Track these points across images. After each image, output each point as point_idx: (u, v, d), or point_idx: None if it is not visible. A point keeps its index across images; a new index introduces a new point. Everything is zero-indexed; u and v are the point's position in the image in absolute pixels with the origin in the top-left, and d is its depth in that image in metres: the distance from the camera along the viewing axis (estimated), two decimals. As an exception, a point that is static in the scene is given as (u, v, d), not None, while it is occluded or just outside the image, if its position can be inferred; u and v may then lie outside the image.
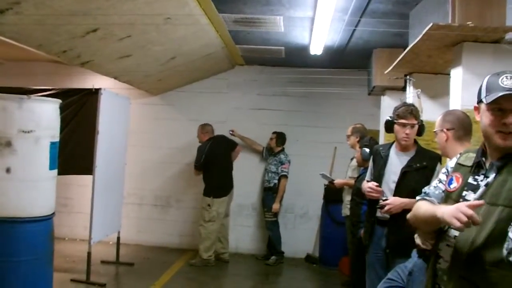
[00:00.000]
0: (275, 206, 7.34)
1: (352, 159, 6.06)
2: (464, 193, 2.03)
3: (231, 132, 7.74)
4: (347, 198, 5.84)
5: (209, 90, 8.11)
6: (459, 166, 2.15)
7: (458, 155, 2.22)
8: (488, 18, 3.39)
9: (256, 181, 7.91)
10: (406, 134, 3.81)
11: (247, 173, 7.78)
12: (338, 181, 6.06)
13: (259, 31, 5.84)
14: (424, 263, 3.08)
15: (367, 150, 5.06)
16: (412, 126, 3.80)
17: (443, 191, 2.18)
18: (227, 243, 7.41)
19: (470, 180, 2.04)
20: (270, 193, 7.44)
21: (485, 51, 3.51)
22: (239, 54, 7.26)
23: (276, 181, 7.39)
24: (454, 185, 2.10)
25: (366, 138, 5.54)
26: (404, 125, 3.81)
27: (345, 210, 5.90)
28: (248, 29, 5.80)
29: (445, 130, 3.17)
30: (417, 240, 3.12)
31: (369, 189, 3.88)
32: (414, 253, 3.24)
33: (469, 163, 2.10)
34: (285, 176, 7.39)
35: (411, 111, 3.82)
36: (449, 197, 2.11)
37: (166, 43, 5.64)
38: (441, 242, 2.10)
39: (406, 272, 3.29)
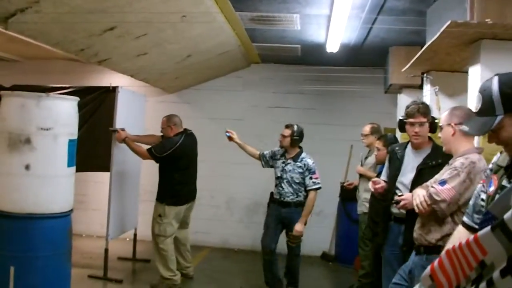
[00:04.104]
0: (299, 227, 5.57)
1: (366, 157, 6.02)
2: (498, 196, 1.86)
3: (228, 134, 6.05)
4: (363, 195, 5.82)
5: (225, 88, 8.14)
6: (497, 167, 2.01)
7: (499, 154, 2.08)
8: (507, 15, 3.36)
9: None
10: (415, 132, 3.81)
11: (265, 170, 7.62)
12: (359, 167, 6.06)
13: (275, 29, 5.84)
14: (421, 260, 3.16)
15: None
16: (421, 124, 3.78)
17: (482, 199, 2.07)
18: (189, 255, 6.30)
19: (504, 182, 1.90)
20: (300, 209, 5.64)
21: (504, 48, 3.49)
22: (255, 52, 7.26)
23: (305, 194, 5.66)
24: (492, 188, 1.96)
25: (390, 135, 5.51)
26: (412, 123, 3.81)
27: (362, 208, 5.88)
28: (265, 27, 5.80)
29: (452, 124, 3.12)
30: (414, 233, 3.21)
31: (372, 186, 4.13)
32: (413, 253, 3.30)
33: (504, 163, 1.96)
34: (317, 189, 5.67)
35: (418, 109, 3.80)
36: (488, 201, 1.97)
37: (182, 41, 5.67)
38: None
39: (407, 272, 3.32)
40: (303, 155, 5.70)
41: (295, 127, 5.66)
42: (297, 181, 5.61)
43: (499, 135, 1.85)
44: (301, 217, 5.56)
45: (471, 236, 1.27)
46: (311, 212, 5.67)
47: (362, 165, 6.11)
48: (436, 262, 1.39)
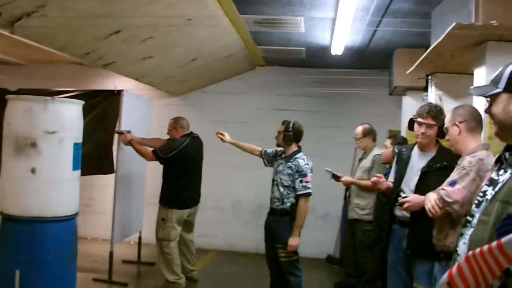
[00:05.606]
0: (293, 241, 4.81)
1: (360, 160, 5.97)
2: (485, 188, 1.98)
3: (220, 137, 5.71)
4: (354, 200, 5.77)
5: (229, 91, 8.15)
6: (494, 163, 2.08)
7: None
8: (512, 17, 3.35)
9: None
10: (422, 132, 3.74)
11: (269, 171, 7.48)
12: (346, 178, 5.70)
13: (280, 32, 5.84)
14: (442, 266, 3.09)
15: None
16: (429, 126, 3.71)
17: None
18: (194, 259, 6.23)
19: (493, 175, 1.98)
20: (285, 219, 4.88)
21: (509, 50, 3.47)
22: (260, 55, 7.27)
23: (293, 201, 4.89)
24: (485, 181, 2.04)
25: (400, 136, 5.49)
26: (420, 123, 3.75)
27: (352, 213, 5.81)
28: (269, 30, 5.81)
29: (457, 123, 3.13)
30: (433, 240, 3.16)
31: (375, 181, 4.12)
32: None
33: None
34: (307, 195, 4.91)
35: (428, 110, 3.73)
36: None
37: (187, 44, 5.68)
38: (459, 240, 2.09)
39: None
40: (298, 155, 4.96)
41: (291, 123, 5.06)
42: (286, 184, 4.90)
43: (491, 108, 1.98)
44: (294, 228, 4.81)
45: (494, 242, 1.19)
46: (303, 222, 4.89)
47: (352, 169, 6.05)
48: (454, 269, 1.31)
